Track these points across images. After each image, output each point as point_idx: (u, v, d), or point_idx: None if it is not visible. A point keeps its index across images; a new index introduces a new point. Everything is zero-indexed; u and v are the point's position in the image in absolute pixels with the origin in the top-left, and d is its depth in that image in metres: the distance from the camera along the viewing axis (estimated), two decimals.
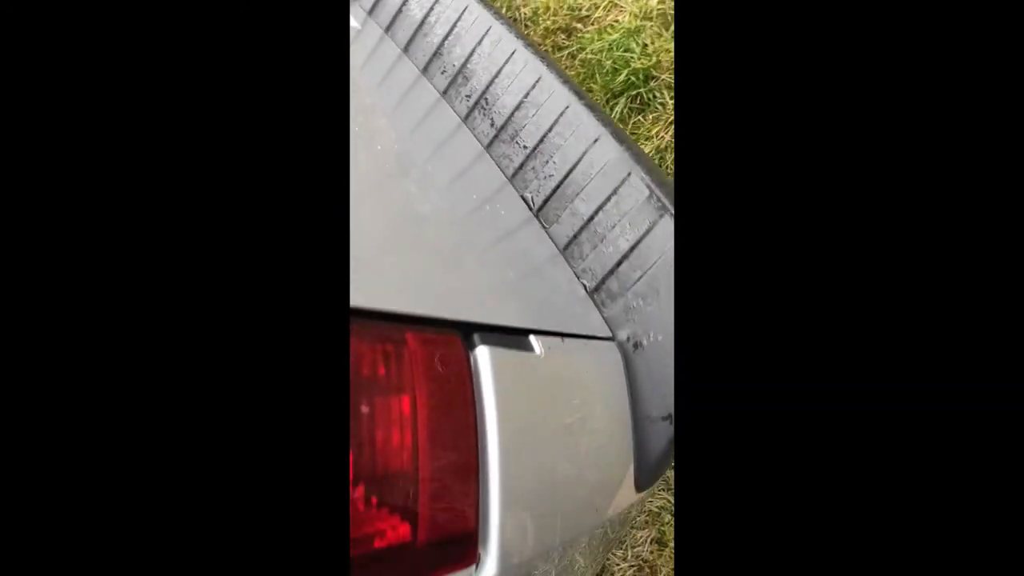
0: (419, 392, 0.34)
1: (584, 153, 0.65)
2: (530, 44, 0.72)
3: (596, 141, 0.65)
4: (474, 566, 0.37)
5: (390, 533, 0.31)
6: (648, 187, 0.61)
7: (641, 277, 0.60)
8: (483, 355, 0.39)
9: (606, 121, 0.66)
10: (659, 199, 0.60)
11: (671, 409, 0.57)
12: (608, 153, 0.64)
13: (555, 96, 0.68)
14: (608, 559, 1.16)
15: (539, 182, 0.68)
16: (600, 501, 0.49)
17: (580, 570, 0.59)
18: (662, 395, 0.57)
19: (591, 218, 0.64)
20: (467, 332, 0.40)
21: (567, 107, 0.67)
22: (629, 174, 0.62)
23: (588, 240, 0.64)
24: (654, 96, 1.27)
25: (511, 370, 0.41)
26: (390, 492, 0.32)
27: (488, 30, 0.75)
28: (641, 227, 0.60)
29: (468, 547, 0.36)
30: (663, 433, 0.57)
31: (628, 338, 0.59)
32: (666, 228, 0.59)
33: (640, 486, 0.57)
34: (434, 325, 0.38)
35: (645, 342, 0.58)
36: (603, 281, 0.62)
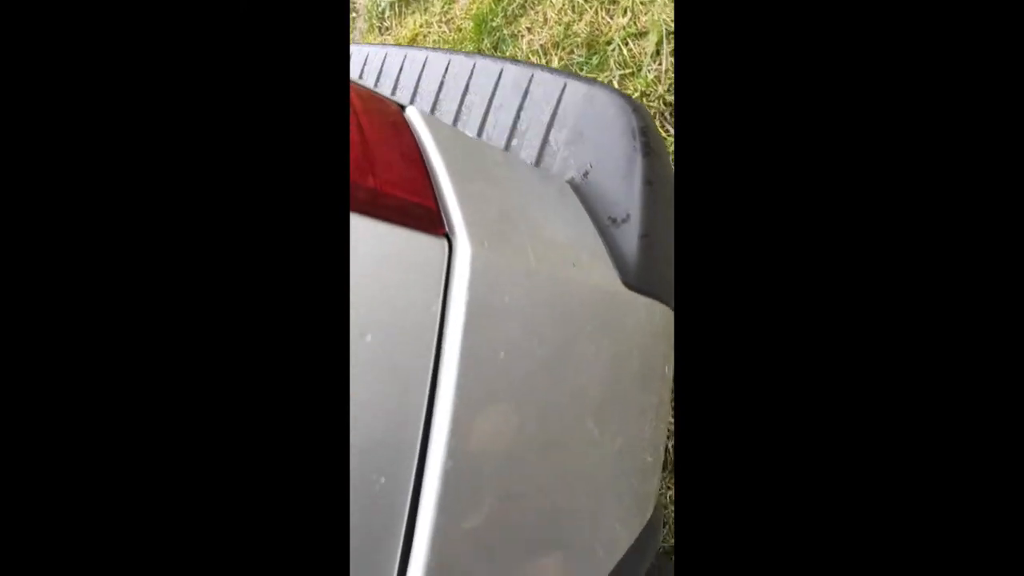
0: (355, 98, 0.43)
1: (496, 84, 0.79)
2: (435, 48, 0.91)
3: (501, 72, 0.79)
4: (444, 240, 0.42)
5: None
6: (549, 74, 0.74)
7: (566, 132, 0.70)
8: (413, 113, 0.48)
9: (504, 59, 0.81)
10: (558, 77, 0.72)
11: (626, 211, 0.63)
12: (511, 73, 0.78)
13: (463, 64, 0.85)
14: None
15: (472, 121, 0.81)
16: (574, 257, 0.53)
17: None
18: (611, 202, 0.64)
19: (516, 118, 0.75)
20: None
21: (474, 65, 0.83)
22: (532, 76, 0.75)
23: (519, 136, 0.75)
24: None
25: (446, 132, 0.50)
26: None
27: (404, 55, 0.94)
28: (553, 100, 0.72)
29: (432, 217, 0.42)
30: (627, 234, 0.63)
31: (573, 176, 0.67)
32: (572, 90, 0.71)
33: (628, 283, 0.61)
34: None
35: (588, 171, 0.67)
36: (540, 151, 0.71)
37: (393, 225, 0.38)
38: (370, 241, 0.37)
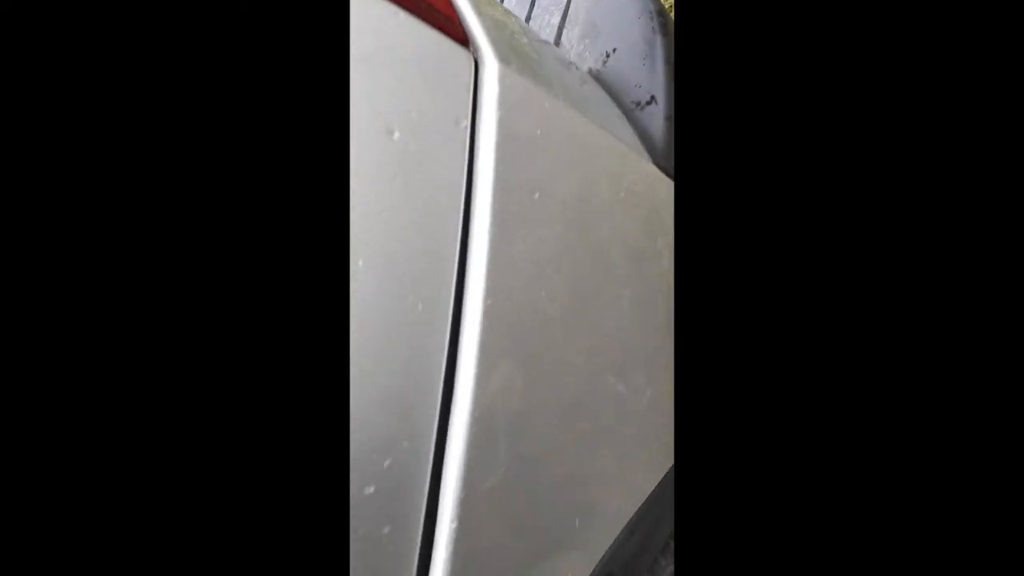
0: None
1: (501, 3, 0.77)
2: None
3: None
4: (471, 55, 0.38)
5: None
6: None
7: (579, 28, 0.67)
8: None
9: None
10: None
11: (650, 93, 0.60)
12: None
13: None
14: None
15: None
16: (601, 122, 0.50)
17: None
18: (634, 85, 0.61)
19: (527, 22, 0.73)
20: None
21: None
22: None
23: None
24: None
25: None
26: None
27: None
28: (562, 1, 0.69)
29: (454, 26, 0.38)
30: (653, 116, 0.59)
31: (591, 67, 0.64)
32: None
33: (657, 162, 0.57)
34: None
35: (606, 59, 0.64)
36: None
37: (414, 17, 0.35)
38: (392, 27, 0.33)
